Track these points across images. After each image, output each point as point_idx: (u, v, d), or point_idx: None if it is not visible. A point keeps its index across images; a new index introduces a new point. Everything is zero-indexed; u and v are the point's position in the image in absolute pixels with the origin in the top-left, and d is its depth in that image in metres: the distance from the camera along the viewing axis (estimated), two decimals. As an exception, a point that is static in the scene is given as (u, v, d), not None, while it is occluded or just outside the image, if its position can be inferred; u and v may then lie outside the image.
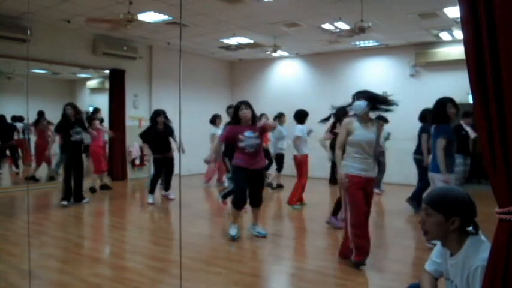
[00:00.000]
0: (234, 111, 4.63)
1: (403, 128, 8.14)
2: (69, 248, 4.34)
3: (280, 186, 8.48)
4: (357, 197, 3.63)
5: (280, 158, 8.11)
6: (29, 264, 3.49)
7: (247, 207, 4.84)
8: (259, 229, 4.83)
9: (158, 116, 6.78)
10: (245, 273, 3.65)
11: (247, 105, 4.55)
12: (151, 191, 6.81)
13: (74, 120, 6.44)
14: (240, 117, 4.50)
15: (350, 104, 3.74)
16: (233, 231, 4.66)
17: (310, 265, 3.93)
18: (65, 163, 6.57)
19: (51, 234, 4.90)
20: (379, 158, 6.44)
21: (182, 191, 7.89)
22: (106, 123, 9.56)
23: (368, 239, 3.77)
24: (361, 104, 3.61)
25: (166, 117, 6.85)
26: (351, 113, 3.82)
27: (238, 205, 4.64)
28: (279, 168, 8.29)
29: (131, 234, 5.10)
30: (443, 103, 4.27)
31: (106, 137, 8.31)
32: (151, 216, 6.15)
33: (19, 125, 8.83)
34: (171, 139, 6.93)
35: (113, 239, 4.85)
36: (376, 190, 7.36)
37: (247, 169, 4.51)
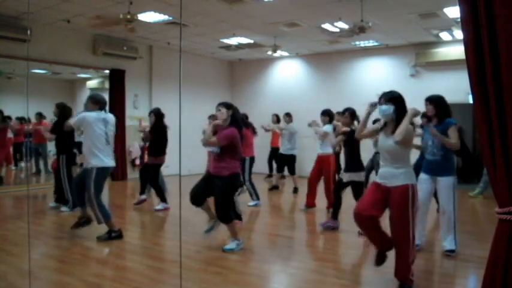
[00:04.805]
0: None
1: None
2: (69, 248, 4.34)
3: (275, 187, 8.35)
4: (367, 192, 3.32)
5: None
6: (29, 264, 3.48)
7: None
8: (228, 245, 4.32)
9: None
10: (245, 273, 3.66)
11: (223, 105, 4.25)
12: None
13: None
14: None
15: (375, 105, 3.30)
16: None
17: (310, 265, 3.93)
18: None
19: (51, 234, 4.90)
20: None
21: (182, 191, 7.85)
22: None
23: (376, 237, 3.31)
24: (388, 108, 3.17)
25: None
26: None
27: (190, 199, 4.29)
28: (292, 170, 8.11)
29: (131, 234, 5.09)
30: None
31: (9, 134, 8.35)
32: (151, 216, 6.14)
33: None
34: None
35: (113, 239, 4.84)
36: None
37: (209, 172, 4.35)
